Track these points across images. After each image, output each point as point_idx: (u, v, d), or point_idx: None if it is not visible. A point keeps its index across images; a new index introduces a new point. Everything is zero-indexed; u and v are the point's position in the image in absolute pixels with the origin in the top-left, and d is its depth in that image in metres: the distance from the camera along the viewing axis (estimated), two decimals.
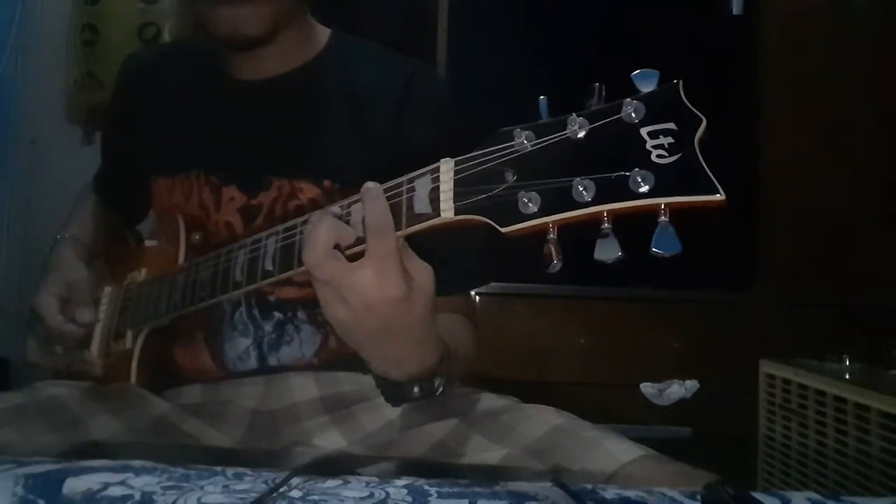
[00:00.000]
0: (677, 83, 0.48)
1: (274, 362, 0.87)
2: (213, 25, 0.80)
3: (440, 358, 0.65)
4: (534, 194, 0.50)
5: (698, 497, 0.49)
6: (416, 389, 0.63)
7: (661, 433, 1.59)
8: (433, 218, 0.55)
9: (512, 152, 0.52)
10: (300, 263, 0.62)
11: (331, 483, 0.55)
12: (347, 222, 0.59)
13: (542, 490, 0.54)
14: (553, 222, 0.49)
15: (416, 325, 0.59)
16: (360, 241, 0.57)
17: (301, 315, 0.87)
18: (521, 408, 0.78)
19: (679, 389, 1.64)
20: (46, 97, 1.98)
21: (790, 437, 1.40)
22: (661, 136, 0.47)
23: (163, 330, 0.87)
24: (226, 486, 0.54)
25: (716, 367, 1.65)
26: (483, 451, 0.72)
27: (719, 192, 0.45)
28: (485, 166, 0.53)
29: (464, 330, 0.84)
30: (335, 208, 0.60)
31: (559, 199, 0.49)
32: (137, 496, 0.51)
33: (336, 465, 0.77)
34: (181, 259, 0.88)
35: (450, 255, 0.65)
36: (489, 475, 0.68)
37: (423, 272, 0.59)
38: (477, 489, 0.55)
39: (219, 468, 0.58)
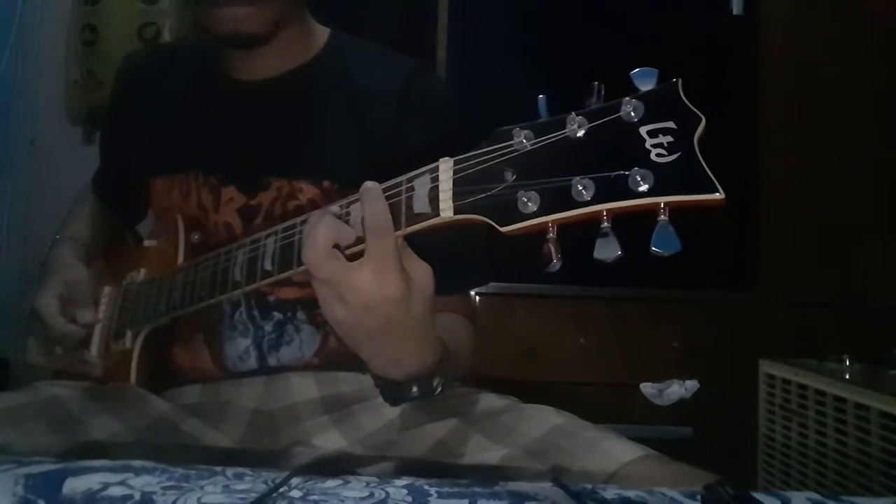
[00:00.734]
0: (676, 82, 0.48)
1: (274, 362, 0.87)
2: (214, 25, 0.80)
3: (439, 358, 0.65)
4: (533, 193, 0.49)
5: (698, 497, 0.49)
6: (414, 389, 0.63)
7: (661, 433, 1.59)
8: (432, 217, 0.54)
9: (511, 151, 0.52)
10: (299, 263, 0.62)
11: (331, 483, 0.55)
12: (347, 222, 0.58)
13: (542, 490, 0.54)
14: (552, 221, 0.49)
15: (415, 325, 0.59)
16: (360, 240, 0.57)
17: (301, 315, 0.87)
18: (520, 408, 0.78)
19: (679, 389, 1.64)
20: (46, 97, 1.98)
21: (790, 437, 1.39)
22: (660, 135, 0.47)
23: (162, 330, 0.88)
24: (226, 487, 0.54)
25: (716, 367, 1.65)
26: (483, 451, 0.72)
27: (719, 191, 0.44)
28: (484, 166, 0.53)
29: (463, 330, 0.84)
30: (334, 208, 0.60)
31: (559, 199, 0.49)
32: (137, 496, 0.51)
33: (336, 465, 0.77)
34: (180, 259, 0.88)
35: (449, 255, 0.65)
36: (489, 475, 0.68)
37: (422, 272, 0.58)
38: (477, 489, 0.54)
39: (219, 468, 0.58)
